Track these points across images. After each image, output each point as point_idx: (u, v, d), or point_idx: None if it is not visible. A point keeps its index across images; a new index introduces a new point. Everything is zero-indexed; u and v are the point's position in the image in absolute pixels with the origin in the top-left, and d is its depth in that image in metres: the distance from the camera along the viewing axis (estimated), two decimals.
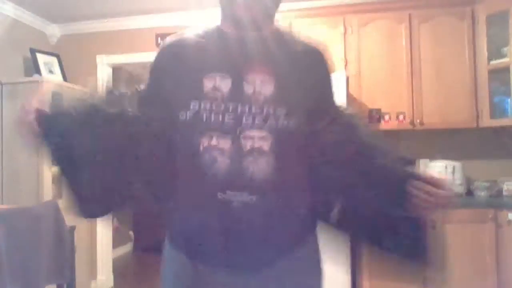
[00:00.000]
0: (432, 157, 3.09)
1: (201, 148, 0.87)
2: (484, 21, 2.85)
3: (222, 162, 0.86)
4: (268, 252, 0.91)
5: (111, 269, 3.93)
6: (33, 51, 3.50)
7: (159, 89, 0.96)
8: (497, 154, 3.08)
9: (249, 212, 0.86)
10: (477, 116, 2.88)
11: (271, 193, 0.87)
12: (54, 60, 3.68)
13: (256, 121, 0.87)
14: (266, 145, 0.87)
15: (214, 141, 0.87)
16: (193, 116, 0.88)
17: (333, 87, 1.01)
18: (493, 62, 2.83)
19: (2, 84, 3.33)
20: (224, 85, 0.89)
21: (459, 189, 2.84)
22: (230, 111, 0.87)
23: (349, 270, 2.67)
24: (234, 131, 0.87)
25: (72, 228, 2.53)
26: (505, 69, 2.76)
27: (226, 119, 0.87)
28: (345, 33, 3.09)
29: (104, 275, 3.81)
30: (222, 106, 0.88)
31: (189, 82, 0.91)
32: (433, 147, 3.18)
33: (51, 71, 3.58)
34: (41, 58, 3.54)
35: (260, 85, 0.89)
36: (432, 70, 2.97)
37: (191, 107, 0.88)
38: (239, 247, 0.89)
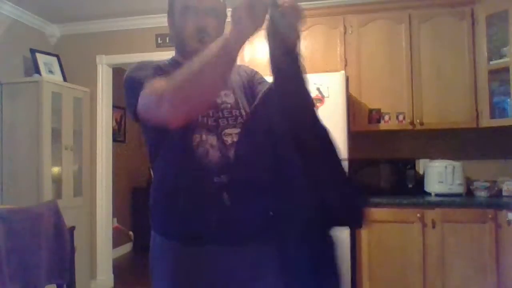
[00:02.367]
0: (432, 157, 3.09)
1: (195, 143, 1.09)
2: (484, 21, 2.85)
3: (214, 154, 1.09)
4: (259, 225, 1.08)
5: (111, 269, 3.93)
6: (33, 51, 3.50)
7: None
8: (497, 154, 3.08)
9: (242, 190, 1.07)
10: (477, 116, 2.88)
11: (252, 174, 1.06)
12: (54, 60, 3.68)
13: (230, 122, 1.13)
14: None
15: (204, 137, 1.09)
16: None
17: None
18: (493, 62, 2.83)
19: (2, 84, 3.33)
20: None
21: (459, 189, 2.84)
22: (211, 116, 1.12)
23: (349, 270, 2.67)
24: (216, 131, 1.11)
25: (72, 228, 2.53)
26: (505, 69, 2.76)
27: (209, 122, 1.12)
28: (345, 33, 3.09)
29: (104, 275, 3.81)
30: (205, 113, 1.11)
31: None
32: (433, 147, 3.18)
33: (51, 71, 3.59)
34: (41, 58, 3.54)
35: (224, 96, 1.16)
36: (432, 70, 2.97)
37: None
38: (235, 222, 1.08)
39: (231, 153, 1.09)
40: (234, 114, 1.14)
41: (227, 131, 1.12)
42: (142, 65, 1.16)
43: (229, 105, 1.15)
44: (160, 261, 1.14)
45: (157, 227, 1.16)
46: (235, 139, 1.11)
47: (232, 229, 1.08)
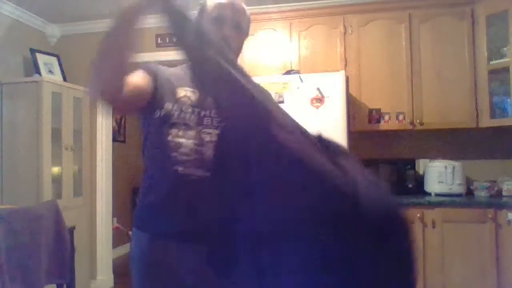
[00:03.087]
0: (432, 157, 3.09)
1: (169, 137, 1.13)
2: (484, 21, 2.85)
3: (186, 146, 1.12)
4: (221, 221, 1.07)
5: (111, 269, 3.93)
6: (33, 51, 3.50)
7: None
8: (497, 154, 3.08)
9: (205, 184, 1.10)
10: (477, 116, 2.88)
11: (221, 172, 1.09)
12: (54, 60, 3.68)
13: (214, 123, 1.16)
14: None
15: (180, 133, 1.13)
16: (165, 114, 1.14)
17: None
18: (493, 62, 2.83)
19: (2, 84, 3.33)
20: (193, 96, 1.18)
21: (459, 189, 2.83)
22: (195, 114, 1.16)
23: None
24: (196, 127, 1.15)
25: (72, 228, 2.53)
26: (505, 69, 2.76)
27: (192, 118, 1.15)
28: (345, 33, 3.09)
29: (104, 275, 3.81)
30: (190, 109, 1.16)
31: (167, 91, 1.18)
32: (433, 147, 3.18)
33: (51, 71, 3.58)
34: (41, 58, 3.54)
35: None
36: (432, 70, 2.97)
37: (165, 107, 1.14)
38: (197, 215, 1.09)
39: (206, 148, 1.13)
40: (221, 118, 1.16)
41: (208, 130, 1.15)
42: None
43: None
44: (134, 253, 1.17)
45: (134, 219, 1.20)
46: (213, 139, 1.14)
47: (194, 225, 1.09)
